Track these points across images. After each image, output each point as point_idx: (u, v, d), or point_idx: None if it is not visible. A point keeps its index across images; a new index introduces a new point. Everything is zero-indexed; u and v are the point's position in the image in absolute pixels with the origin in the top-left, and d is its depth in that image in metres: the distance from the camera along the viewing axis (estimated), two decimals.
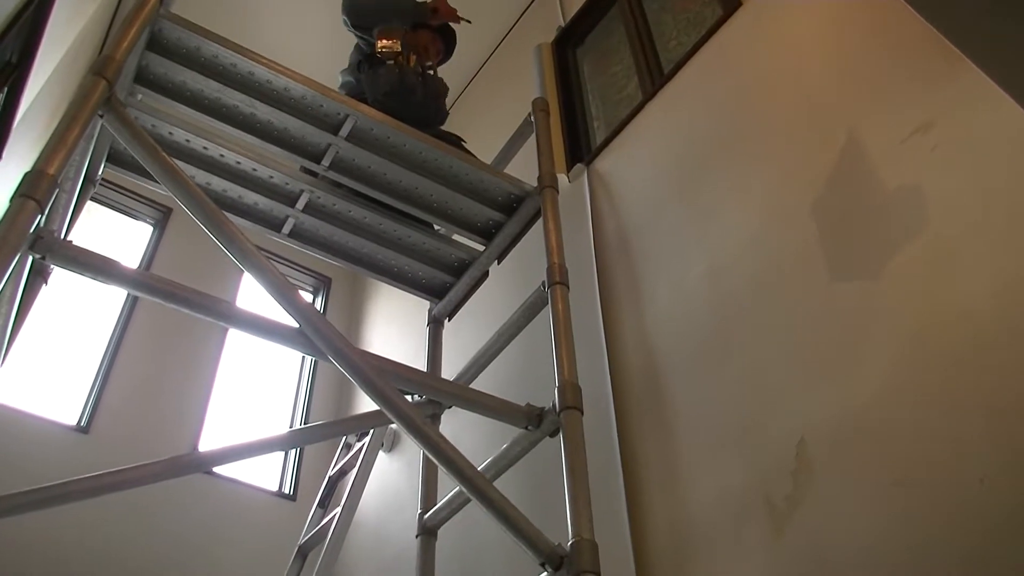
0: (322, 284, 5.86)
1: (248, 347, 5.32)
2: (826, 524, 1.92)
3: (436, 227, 3.16)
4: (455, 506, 2.63)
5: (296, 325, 2.18)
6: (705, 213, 2.71)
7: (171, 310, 4.33)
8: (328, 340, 2.14)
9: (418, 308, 3.85)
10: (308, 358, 5.47)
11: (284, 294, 2.18)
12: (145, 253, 5.23)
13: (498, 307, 3.13)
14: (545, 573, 2.01)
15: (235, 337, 5.21)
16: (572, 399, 2.30)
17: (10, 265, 1.81)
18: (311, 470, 4.82)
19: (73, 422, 4.38)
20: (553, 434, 2.33)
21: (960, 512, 1.67)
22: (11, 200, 1.90)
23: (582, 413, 2.29)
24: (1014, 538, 1.57)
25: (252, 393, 5.26)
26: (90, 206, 4.51)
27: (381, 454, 4.16)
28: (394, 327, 4.96)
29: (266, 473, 4.90)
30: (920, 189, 2.05)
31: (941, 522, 1.70)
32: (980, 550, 1.61)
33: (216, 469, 4.58)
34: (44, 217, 2.12)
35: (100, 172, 2.73)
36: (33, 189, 1.90)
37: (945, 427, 1.77)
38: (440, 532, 2.73)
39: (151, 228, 5.43)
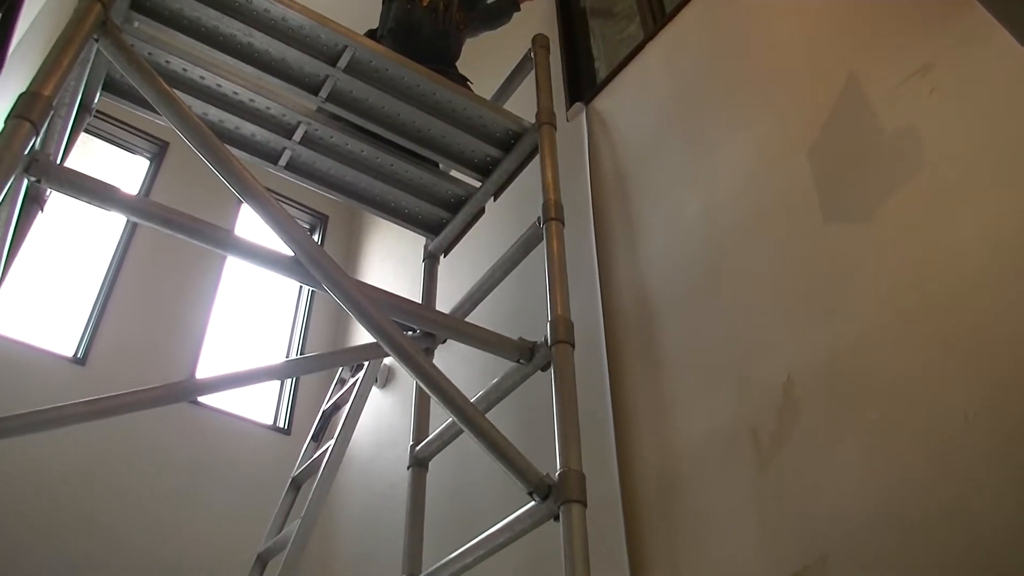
0: (319, 222, 5.86)
1: (245, 282, 5.34)
2: (810, 460, 1.96)
3: (434, 163, 3.15)
4: (446, 438, 2.66)
5: (292, 254, 2.19)
6: (702, 154, 2.71)
7: (169, 242, 4.31)
8: (324, 270, 2.14)
9: (414, 248, 3.86)
10: (304, 293, 5.50)
11: (281, 224, 2.18)
12: (141, 187, 5.22)
13: (494, 244, 3.14)
14: (533, 502, 2.04)
15: (232, 272, 5.23)
16: (564, 333, 2.31)
17: (4, 187, 1.81)
18: (306, 405, 4.88)
19: (70, 353, 4.41)
20: (544, 368, 2.35)
21: (943, 447, 1.70)
22: (5, 122, 1.89)
23: (573, 347, 2.31)
24: (995, 472, 1.60)
25: (248, 327, 5.30)
26: (86, 139, 4.50)
27: (375, 390, 4.20)
28: (390, 266, 4.98)
29: (262, 408, 4.96)
30: (917, 131, 2.05)
31: (924, 457, 1.73)
32: (962, 484, 1.64)
33: (214, 404, 4.64)
34: (39, 140, 2.12)
35: (96, 101, 2.71)
36: (28, 110, 1.89)
37: (931, 365, 1.80)
38: (431, 464, 2.77)
39: (148, 162, 5.40)
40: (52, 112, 2.02)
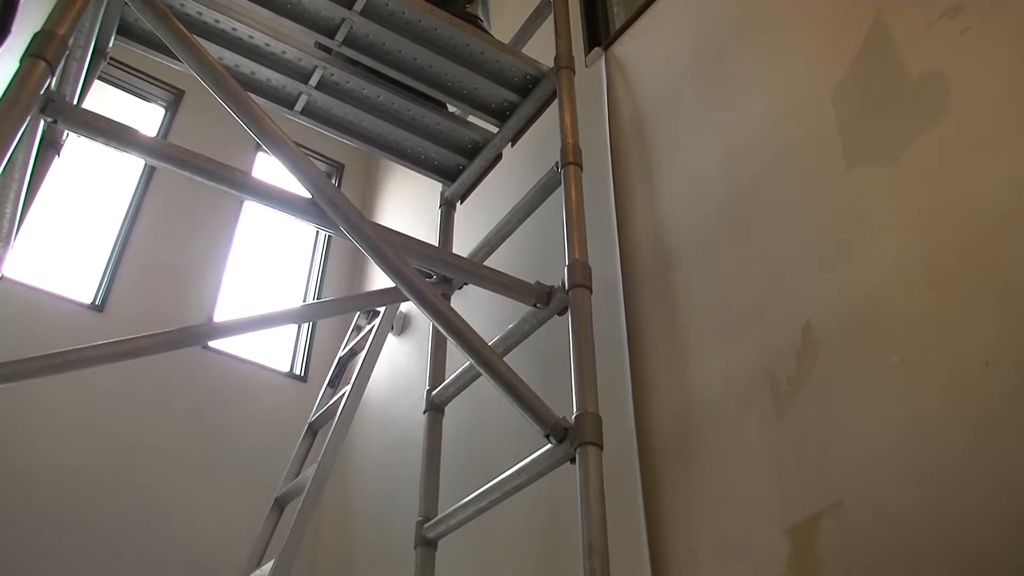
0: (335, 170, 5.84)
1: (262, 228, 5.36)
2: (828, 405, 1.95)
3: (450, 108, 3.12)
4: (463, 383, 2.67)
5: (310, 197, 2.18)
6: (724, 99, 2.67)
7: (186, 188, 4.30)
8: (342, 212, 2.14)
9: (431, 196, 3.84)
10: (321, 240, 5.51)
11: (299, 166, 2.17)
12: (157, 136, 5.20)
13: (511, 191, 3.12)
14: (549, 445, 2.05)
15: (249, 218, 5.24)
16: (581, 277, 2.30)
17: (22, 125, 1.80)
18: (322, 352, 4.91)
19: (88, 300, 4.44)
20: (562, 312, 2.35)
21: (963, 393, 1.69)
22: (20, 61, 1.88)
23: (591, 291, 2.30)
24: (1016, 418, 1.59)
25: (266, 274, 5.32)
26: (100, 87, 4.47)
27: (391, 337, 4.22)
28: (406, 213, 4.97)
29: (278, 355, 4.99)
30: (945, 74, 2.01)
31: (943, 403, 1.72)
32: (982, 430, 1.63)
33: (230, 351, 4.67)
34: (55, 82, 2.10)
35: (110, 45, 2.69)
36: (43, 49, 1.88)
37: (952, 312, 1.78)
38: (447, 409, 2.79)
39: (163, 110, 5.39)
40: (67, 53, 2.00)
